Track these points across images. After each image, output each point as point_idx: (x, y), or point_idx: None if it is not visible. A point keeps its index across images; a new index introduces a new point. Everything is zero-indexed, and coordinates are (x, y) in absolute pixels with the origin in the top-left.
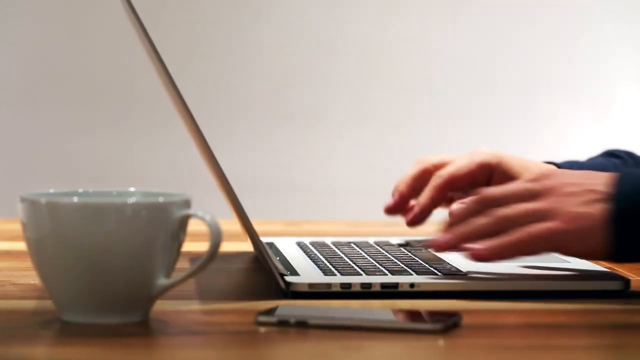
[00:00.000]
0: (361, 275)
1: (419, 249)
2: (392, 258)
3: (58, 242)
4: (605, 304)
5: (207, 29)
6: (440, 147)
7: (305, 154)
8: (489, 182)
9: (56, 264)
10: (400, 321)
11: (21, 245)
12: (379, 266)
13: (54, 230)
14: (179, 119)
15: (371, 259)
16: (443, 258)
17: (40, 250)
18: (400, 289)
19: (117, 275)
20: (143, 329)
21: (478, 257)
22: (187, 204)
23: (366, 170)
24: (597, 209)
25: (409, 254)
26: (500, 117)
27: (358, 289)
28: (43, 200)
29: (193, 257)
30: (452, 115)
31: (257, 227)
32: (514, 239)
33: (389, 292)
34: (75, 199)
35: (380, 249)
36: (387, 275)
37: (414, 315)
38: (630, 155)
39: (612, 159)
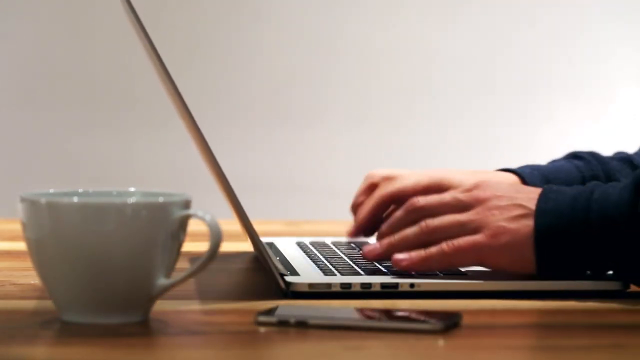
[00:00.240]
0: (361, 275)
1: None
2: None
3: (58, 242)
4: (605, 304)
5: (207, 29)
6: (440, 147)
7: (305, 154)
8: None
9: (56, 264)
10: (400, 321)
11: (21, 245)
12: (378, 266)
13: (54, 230)
14: (179, 119)
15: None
16: None
17: (40, 250)
18: (400, 289)
19: (117, 275)
20: (143, 329)
21: (402, 267)
22: (187, 204)
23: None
24: (522, 225)
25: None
26: (500, 117)
27: (358, 289)
28: (43, 200)
29: (193, 257)
30: (452, 115)
31: (257, 227)
32: (439, 251)
33: (389, 292)
34: (75, 199)
35: None
36: (387, 275)
37: (414, 315)
38: (593, 155)
39: (575, 161)
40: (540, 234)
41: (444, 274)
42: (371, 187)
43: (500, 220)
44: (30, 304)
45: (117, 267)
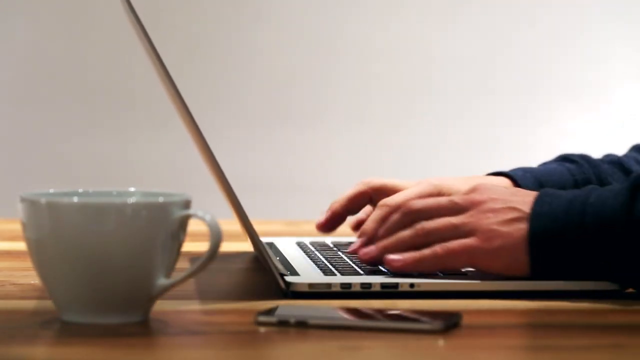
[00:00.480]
0: (361, 275)
1: None
2: None
3: (58, 242)
4: (605, 304)
5: (207, 29)
6: (440, 147)
7: (305, 154)
8: None
9: (56, 264)
10: (400, 321)
11: (21, 245)
12: (378, 266)
13: (54, 230)
14: (179, 119)
15: None
16: None
17: (40, 250)
18: (400, 289)
19: (117, 275)
20: (143, 329)
21: (395, 268)
22: (187, 204)
23: (366, 170)
24: (516, 228)
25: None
26: (500, 117)
27: (358, 289)
28: (43, 200)
29: (193, 257)
30: (452, 115)
31: (257, 227)
32: (432, 253)
33: (389, 292)
34: (75, 199)
35: None
36: (387, 275)
37: (414, 315)
38: (584, 158)
39: (566, 164)
40: (535, 238)
41: (444, 274)
42: (364, 195)
43: (493, 223)
44: (30, 304)
45: (117, 267)
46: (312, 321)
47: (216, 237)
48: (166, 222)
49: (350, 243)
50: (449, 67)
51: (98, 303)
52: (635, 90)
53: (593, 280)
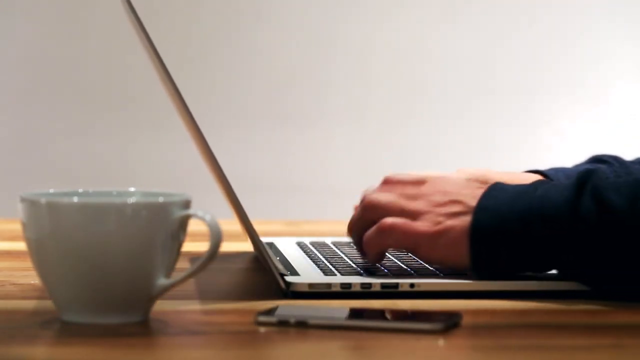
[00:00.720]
0: (361, 275)
1: None
2: (392, 258)
3: (58, 242)
4: (605, 304)
5: (207, 29)
6: (439, 147)
7: (306, 154)
8: None
9: (56, 264)
10: (400, 321)
11: (21, 245)
12: (379, 266)
13: (54, 230)
14: (179, 119)
15: None
16: None
17: (40, 250)
18: (400, 289)
19: (117, 275)
20: (143, 329)
21: (371, 259)
22: (187, 204)
23: (366, 170)
24: (459, 221)
25: (409, 254)
26: (500, 117)
27: (358, 289)
28: (43, 200)
29: (193, 257)
30: (452, 115)
31: (257, 227)
32: (375, 229)
33: (389, 292)
34: (75, 199)
35: None
36: (387, 275)
37: (414, 315)
38: (616, 159)
39: (599, 165)
40: (476, 231)
41: (444, 274)
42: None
43: (438, 214)
44: (30, 304)
45: (117, 267)
46: (312, 321)
47: (216, 237)
48: (166, 222)
49: (350, 243)
50: (449, 67)
51: (98, 303)
52: (635, 90)
53: (541, 276)
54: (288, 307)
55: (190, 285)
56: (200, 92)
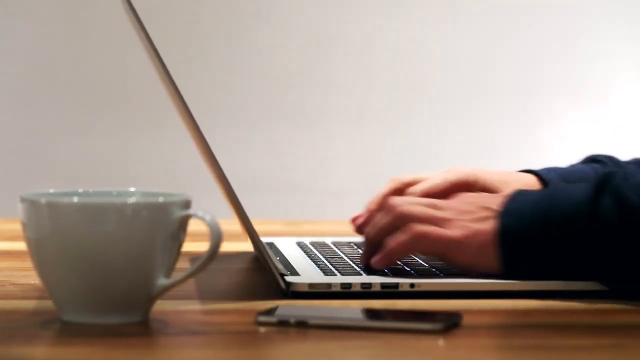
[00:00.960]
0: (361, 275)
1: None
2: None
3: (58, 242)
4: (605, 304)
5: (207, 29)
6: (439, 147)
7: (306, 154)
8: None
9: (56, 264)
10: (400, 321)
11: (21, 245)
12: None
13: (54, 230)
14: (179, 118)
15: None
16: None
17: (40, 250)
18: (400, 289)
19: (117, 275)
20: (143, 329)
21: (380, 267)
22: (187, 204)
23: (366, 170)
24: (487, 225)
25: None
26: (499, 117)
27: (358, 289)
28: (43, 200)
29: (193, 257)
30: (452, 115)
31: (257, 227)
32: (406, 236)
33: (389, 292)
34: (75, 199)
35: None
36: (387, 275)
37: (414, 315)
38: (611, 159)
39: (593, 165)
40: (504, 233)
41: (444, 274)
42: (396, 192)
43: (467, 220)
44: (30, 304)
45: (117, 267)
46: (312, 321)
47: (216, 237)
48: (166, 222)
49: (350, 243)
50: (449, 67)
51: (98, 303)
52: (635, 89)
53: (574, 277)
54: (288, 307)
55: (190, 285)
56: (200, 92)
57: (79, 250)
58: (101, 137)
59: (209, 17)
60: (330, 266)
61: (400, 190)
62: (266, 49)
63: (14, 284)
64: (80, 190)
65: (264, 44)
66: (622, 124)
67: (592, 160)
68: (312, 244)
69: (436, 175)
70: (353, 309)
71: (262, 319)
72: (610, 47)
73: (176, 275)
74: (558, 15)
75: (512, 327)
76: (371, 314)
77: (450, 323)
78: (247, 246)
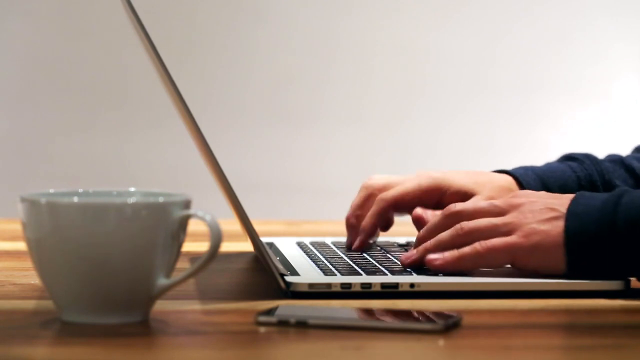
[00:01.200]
0: (361, 275)
1: None
2: (392, 258)
3: (58, 242)
4: (605, 304)
5: (207, 28)
6: (438, 146)
7: (306, 154)
8: (438, 203)
9: (56, 264)
10: (400, 321)
11: (21, 245)
12: (379, 266)
13: (54, 230)
14: (179, 118)
15: (371, 259)
16: None
17: (40, 250)
18: (400, 289)
19: (117, 275)
20: (143, 329)
21: (436, 267)
22: (187, 204)
23: (366, 170)
24: (554, 226)
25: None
26: (498, 116)
27: (358, 289)
28: (43, 200)
29: (193, 257)
30: (450, 114)
31: (257, 227)
32: (472, 250)
33: (389, 292)
34: (75, 199)
35: (381, 249)
36: (387, 275)
37: (414, 315)
38: (587, 156)
39: (569, 162)
40: (571, 235)
41: (444, 274)
42: (369, 198)
43: (532, 222)
44: (30, 304)
45: (117, 267)
46: (312, 321)
47: (216, 237)
48: (166, 222)
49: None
50: (447, 66)
51: (98, 303)
52: (634, 87)
53: (619, 276)
54: (288, 307)
55: (190, 285)
56: (200, 92)
57: (79, 250)
58: (101, 137)
59: (208, 17)
60: (330, 266)
61: (373, 196)
62: (266, 49)
63: (14, 284)
64: (80, 190)
65: (264, 44)
66: (621, 121)
67: (569, 158)
68: (312, 244)
69: (407, 181)
70: (353, 309)
71: (262, 319)
72: (610, 46)
73: (176, 275)
74: (557, 14)
75: (512, 327)
76: (371, 314)
77: (450, 323)
78: (247, 246)
